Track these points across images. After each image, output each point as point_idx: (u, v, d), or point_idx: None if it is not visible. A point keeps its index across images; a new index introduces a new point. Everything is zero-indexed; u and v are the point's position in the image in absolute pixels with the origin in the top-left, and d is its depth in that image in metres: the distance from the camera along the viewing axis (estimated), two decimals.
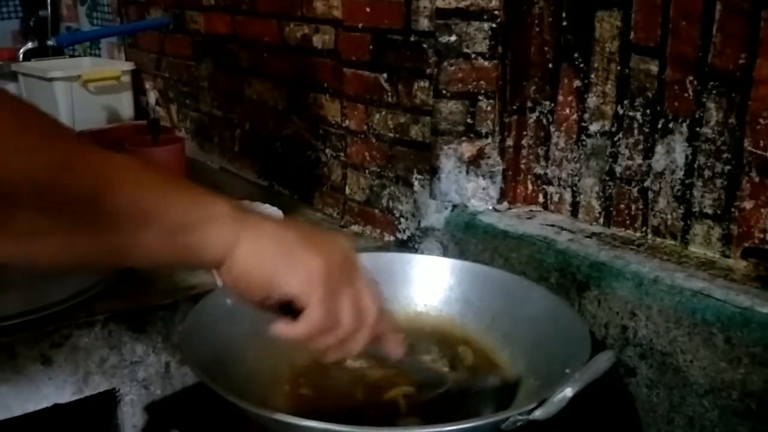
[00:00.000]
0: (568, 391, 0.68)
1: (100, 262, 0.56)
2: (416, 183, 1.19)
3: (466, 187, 1.13)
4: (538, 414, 0.68)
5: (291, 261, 0.56)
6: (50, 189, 0.44)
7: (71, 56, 2.32)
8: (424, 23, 1.12)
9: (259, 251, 0.55)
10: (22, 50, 2.24)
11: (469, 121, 1.10)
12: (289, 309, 0.59)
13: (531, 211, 1.12)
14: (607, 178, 1.02)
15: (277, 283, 0.56)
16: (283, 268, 0.56)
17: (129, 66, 2.02)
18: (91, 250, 0.49)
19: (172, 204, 0.51)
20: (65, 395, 0.95)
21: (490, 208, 1.13)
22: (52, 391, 0.94)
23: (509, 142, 1.12)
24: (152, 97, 2.03)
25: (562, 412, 0.68)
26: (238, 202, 0.57)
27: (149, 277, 1.09)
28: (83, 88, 1.90)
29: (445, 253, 1.14)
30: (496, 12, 1.04)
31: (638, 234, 0.99)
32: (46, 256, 0.48)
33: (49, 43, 2.23)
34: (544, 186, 1.12)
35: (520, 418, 0.67)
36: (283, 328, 0.59)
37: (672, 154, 0.93)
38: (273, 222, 0.58)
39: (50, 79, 1.88)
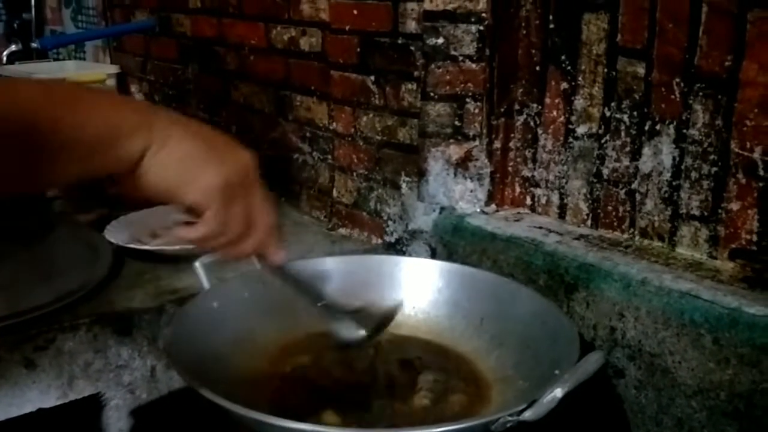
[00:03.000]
0: (558, 392, 0.68)
1: (26, 185, 0.61)
2: (404, 185, 1.18)
3: (454, 190, 1.13)
4: (527, 415, 0.68)
5: (192, 174, 0.61)
6: None
7: (56, 59, 2.30)
8: (411, 26, 1.12)
9: (163, 163, 0.60)
10: (5, 53, 2.21)
11: (456, 123, 1.10)
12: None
13: (519, 213, 1.13)
14: (595, 180, 1.02)
15: (177, 194, 0.61)
16: (183, 181, 0.61)
17: (114, 69, 2.00)
18: (21, 172, 0.55)
19: (91, 125, 0.56)
20: (50, 400, 0.94)
21: (478, 210, 1.13)
22: (36, 395, 0.93)
23: (497, 144, 1.12)
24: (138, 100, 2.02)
25: (552, 413, 0.68)
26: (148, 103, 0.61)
27: (135, 280, 1.09)
28: None
29: (433, 255, 1.14)
30: (484, 14, 1.04)
31: (626, 236, 1.00)
32: None
33: (34, 45, 2.20)
34: (532, 188, 1.12)
35: (509, 419, 0.67)
36: (183, 232, 0.65)
37: (659, 155, 0.94)
38: (181, 128, 0.62)
39: None
